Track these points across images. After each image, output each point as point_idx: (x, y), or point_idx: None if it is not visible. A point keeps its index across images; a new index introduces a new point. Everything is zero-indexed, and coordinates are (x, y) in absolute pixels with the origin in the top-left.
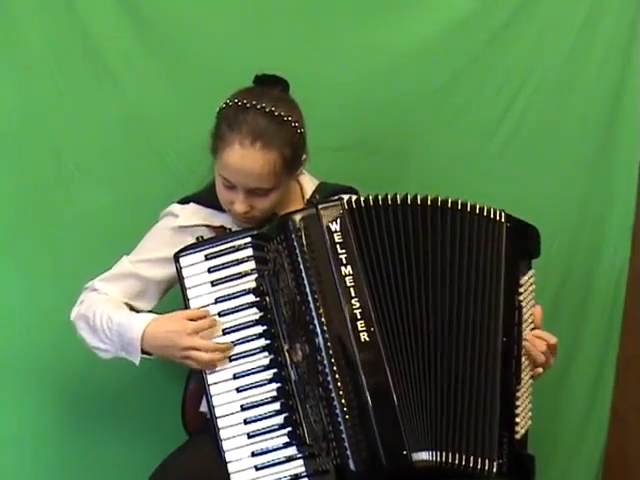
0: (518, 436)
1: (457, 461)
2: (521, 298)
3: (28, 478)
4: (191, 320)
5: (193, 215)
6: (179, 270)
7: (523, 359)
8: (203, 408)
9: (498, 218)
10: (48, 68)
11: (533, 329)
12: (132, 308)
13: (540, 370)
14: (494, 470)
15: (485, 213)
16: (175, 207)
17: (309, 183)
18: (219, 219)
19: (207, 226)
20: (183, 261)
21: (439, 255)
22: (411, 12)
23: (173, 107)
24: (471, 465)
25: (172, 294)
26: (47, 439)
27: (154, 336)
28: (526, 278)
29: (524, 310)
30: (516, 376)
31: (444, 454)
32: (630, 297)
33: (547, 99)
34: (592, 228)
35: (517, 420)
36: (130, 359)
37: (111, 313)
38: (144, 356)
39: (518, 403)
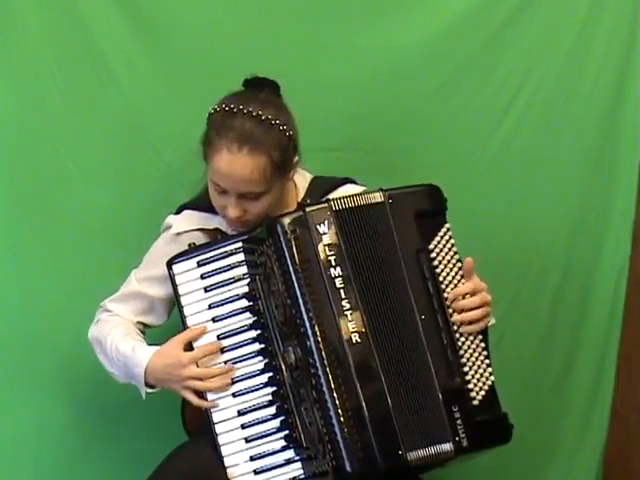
0: (476, 402)
1: (428, 453)
2: (436, 263)
3: (28, 478)
4: (189, 343)
5: (186, 221)
6: (172, 277)
7: (457, 324)
8: None
9: (378, 200)
10: (48, 68)
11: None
12: (145, 324)
13: (481, 324)
14: (453, 450)
15: (370, 202)
16: (169, 218)
17: (302, 181)
18: (214, 222)
19: (201, 230)
20: (176, 268)
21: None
22: (411, 12)
23: (173, 107)
24: (435, 453)
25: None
26: (47, 439)
27: (155, 370)
28: (438, 239)
29: (443, 273)
30: (451, 347)
31: (433, 449)
32: (630, 296)
33: (547, 99)
34: (592, 228)
35: (469, 387)
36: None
37: (119, 343)
38: (148, 390)
39: (465, 369)
